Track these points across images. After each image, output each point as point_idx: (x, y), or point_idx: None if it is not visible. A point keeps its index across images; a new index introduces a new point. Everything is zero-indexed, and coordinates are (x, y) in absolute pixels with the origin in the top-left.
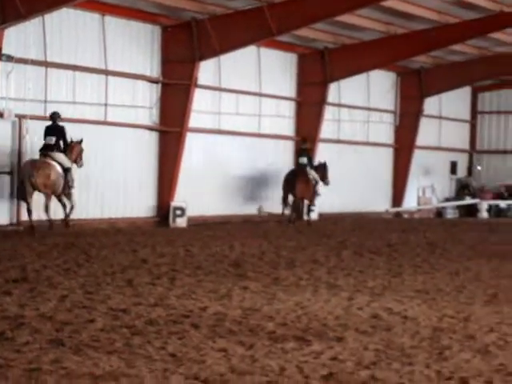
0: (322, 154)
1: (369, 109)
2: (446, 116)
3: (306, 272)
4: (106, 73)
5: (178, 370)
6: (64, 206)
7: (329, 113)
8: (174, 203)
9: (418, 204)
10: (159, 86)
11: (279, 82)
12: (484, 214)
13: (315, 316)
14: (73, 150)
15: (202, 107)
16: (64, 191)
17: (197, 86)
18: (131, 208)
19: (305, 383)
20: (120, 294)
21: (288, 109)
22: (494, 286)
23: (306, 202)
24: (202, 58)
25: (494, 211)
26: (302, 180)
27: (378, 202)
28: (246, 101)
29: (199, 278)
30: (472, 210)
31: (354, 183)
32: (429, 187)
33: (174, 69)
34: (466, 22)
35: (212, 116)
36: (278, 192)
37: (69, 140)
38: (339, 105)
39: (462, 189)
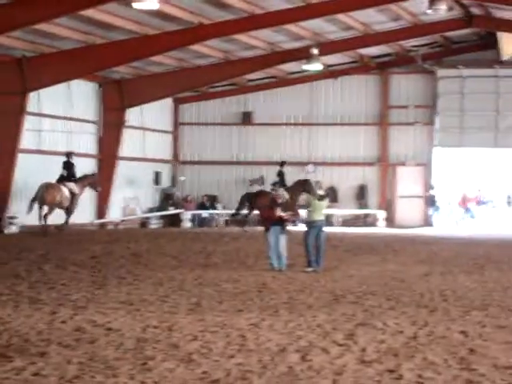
0: (21, 165)
1: (71, 119)
2: (148, 127)
3: (7, 287)
4: None
5: None
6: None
7: (28, 123)
8: None
9: (123, 215)
10: None
11: None
12: (187, 224)
13: (16, 332)
14: (84, 180)
15: None
16: (68, 208)
17: None
18: None
19: None
20: None
21: None
22: (197, 294)
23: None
24: None
25: (198, 221)
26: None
27: (82, 213)
28: None
29: None
30: (176, 220)
31: None
32: (133, 198)
33: None
34: (165, 33)
35: None
36: None
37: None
38: (40, 114)
39: (166, 199)
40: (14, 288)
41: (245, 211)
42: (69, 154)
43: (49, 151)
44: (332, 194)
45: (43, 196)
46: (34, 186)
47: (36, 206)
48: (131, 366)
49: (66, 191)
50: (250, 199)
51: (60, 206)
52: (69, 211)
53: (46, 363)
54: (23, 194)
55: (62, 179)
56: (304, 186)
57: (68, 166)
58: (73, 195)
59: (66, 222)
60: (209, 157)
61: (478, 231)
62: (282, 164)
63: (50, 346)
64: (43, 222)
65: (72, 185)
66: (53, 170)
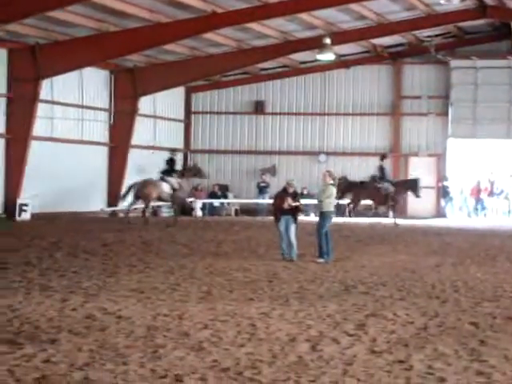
0: (35, 152)
1: (83, 106)
2: (160, 115)
3: (18, 274)
4: None
5: None
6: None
7: (41, 110)
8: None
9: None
10: None
11: None
12: (199, 213)
13: (27, 319)
14: (188, 173)
15: None
16: (172, 202)
17: None
18: None
19: None
20: None
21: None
22: (207, 283)
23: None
24: None
25: (208, 210)
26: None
27: (93, 201)
28: None
29: None
30: (187, 209)
31: (68, 182)
32: None
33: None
34: (178, 21)
35: None
36: None
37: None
38: (52, 102)
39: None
40: (25, 275)
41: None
42: (173, 151)
43: (61, 139)
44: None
45: (139, 191)
46: (45, 173)
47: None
48: (141, 354)
49: (165, 187)
50: (353, 189)
51: (160, 200)
52: (173, 204)
53: (57, 350)
54: (35, 181)
55: (164, 174)
56: (411, 183)
57: (171, 162)
58: (174, 190)
59: (175, 216)
60: (221, 146)
61: (490, 222)
62: (383, 157)
63: (60, 333)
64: (144, 215)
65: (173, 180)
66: (64, 157)
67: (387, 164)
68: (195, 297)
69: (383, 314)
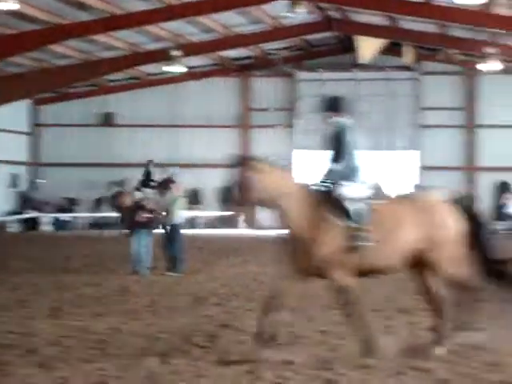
0: None
1: None
2: (4, 128)
3: None
4: None
5: None
6: None
7: None
8: None
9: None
10: None
11: None
12: (46, 227)
13: None
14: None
15: None
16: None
17: None
18: None
19: None
20: None
21: None
22: (56, 299)
23: None
24: None
25: (57, 224)
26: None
27: None
28: None
29: None
30: (34, 224)
31: None
32: None
33: None
34: (23, 33)
35: None
36: None
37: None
38: None
39: (24, 202)
40: None
41: None
42: (148, 162)
43: None
44: (194, 197)
45: (114, 201)
46: None
47: None
48: None
49: (138, 195)
50: None
51: None
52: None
53: None
54: None
55: (140, 186)
56: None
57: (147, 174)
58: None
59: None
60: (69, 158)
61: None
62: None
63: None
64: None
65: (148, 190)
66: None
67: None
68: (43, 313)
69: (234, 325)
